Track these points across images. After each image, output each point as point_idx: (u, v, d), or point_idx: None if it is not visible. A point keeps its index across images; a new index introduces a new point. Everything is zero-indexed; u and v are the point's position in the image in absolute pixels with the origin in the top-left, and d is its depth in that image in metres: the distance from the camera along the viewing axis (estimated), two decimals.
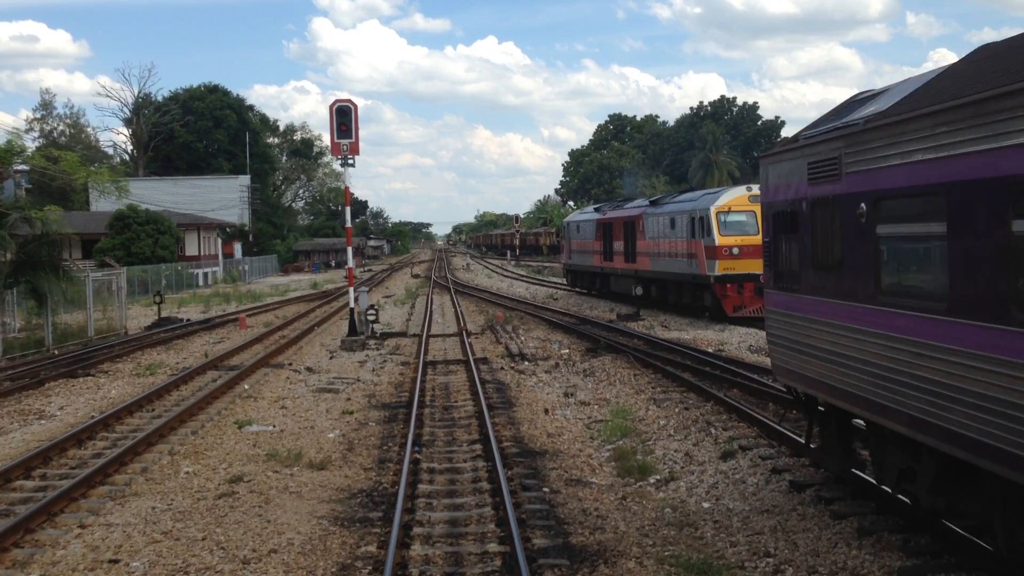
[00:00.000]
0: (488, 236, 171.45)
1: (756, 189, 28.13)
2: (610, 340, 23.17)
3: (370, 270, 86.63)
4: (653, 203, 34.46)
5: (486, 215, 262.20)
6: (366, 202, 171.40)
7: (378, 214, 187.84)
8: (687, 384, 16.73)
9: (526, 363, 21.21)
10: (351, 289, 28.04)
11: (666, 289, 31.77)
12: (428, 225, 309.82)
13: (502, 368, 20.63)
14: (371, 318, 27.28)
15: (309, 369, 21.24)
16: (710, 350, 21.18)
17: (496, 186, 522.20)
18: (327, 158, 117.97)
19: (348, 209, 28.83)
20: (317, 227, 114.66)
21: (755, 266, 25.83)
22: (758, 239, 26.41)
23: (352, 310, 26.99)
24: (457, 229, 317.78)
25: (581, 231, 43.06)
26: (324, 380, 19.55)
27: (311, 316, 35.57)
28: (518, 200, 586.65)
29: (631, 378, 18.27)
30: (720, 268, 27.11)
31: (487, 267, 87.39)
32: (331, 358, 23.23)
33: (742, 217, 27.38)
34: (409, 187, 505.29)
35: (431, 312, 34.99)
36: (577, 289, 45.45)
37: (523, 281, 59.05)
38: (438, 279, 61.02)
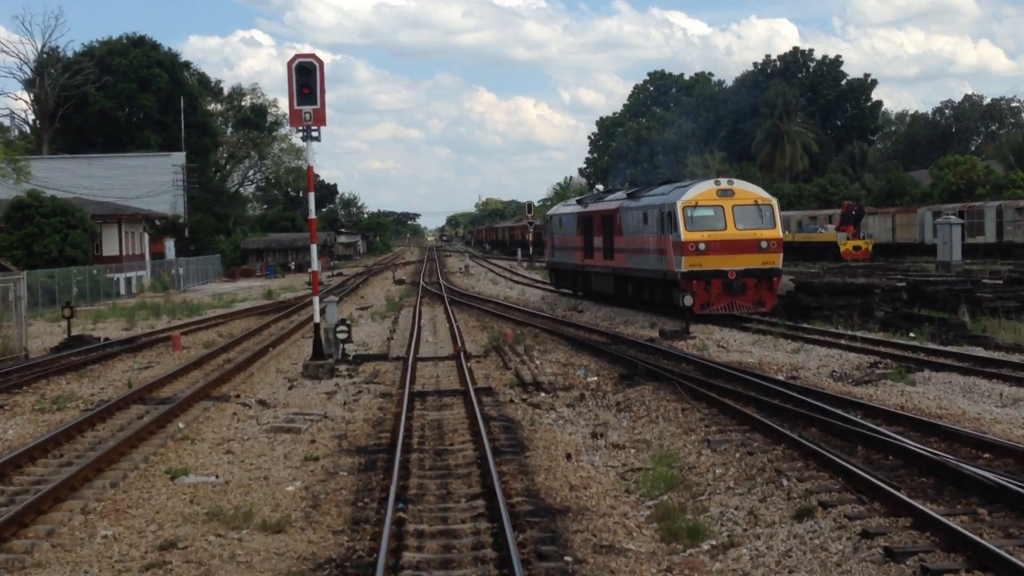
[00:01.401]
0: (493, 230, 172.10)
1: (724, 183, 32.61)
2: (650, 364, 23.19)
3: (341, 274, 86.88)
4: (630, 196, 38.80)
5: (490, 203, 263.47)
6: (335, 186, 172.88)
7: (351, 202, 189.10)
8: (751, 421, 16.69)
9: (542, 394, 21.22)
10: (316, 299, 28.09)
11: (641, 287, 36.04)
12: (415, 216, 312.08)
13: (511, 401, 20.65)
14: (342, 336, 27.35)
15: (262, 402, 21.28)
16: (780, 377, 21.16)
17: (503, 165, 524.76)
18: (284, 130, 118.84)
19: (312, 195, 28.90)
20: (272, 219, 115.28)
21: (722, 262, 31.09)
22: (725, 234, 31.21)
23: (317, 326, 27.04)
24: (453, 221, 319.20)
25: (564, 225, 47.23)
26: (281, 417, 19.58)
27: (265, 334, 35.67)
28: (531, 183, 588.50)
29: (678, 413, 18.25)
30: (686, 264, 31.37)
31: (491, 270, 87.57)
32: (290, 388, 23.29)
33: (709, 212, 31.73)
34: (390, 167, 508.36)
35: (419, 328, 35.07)
36: (562, 291, 49.66)
37: (538, 288, 59.10)
38: (428, 285, 61.18)
